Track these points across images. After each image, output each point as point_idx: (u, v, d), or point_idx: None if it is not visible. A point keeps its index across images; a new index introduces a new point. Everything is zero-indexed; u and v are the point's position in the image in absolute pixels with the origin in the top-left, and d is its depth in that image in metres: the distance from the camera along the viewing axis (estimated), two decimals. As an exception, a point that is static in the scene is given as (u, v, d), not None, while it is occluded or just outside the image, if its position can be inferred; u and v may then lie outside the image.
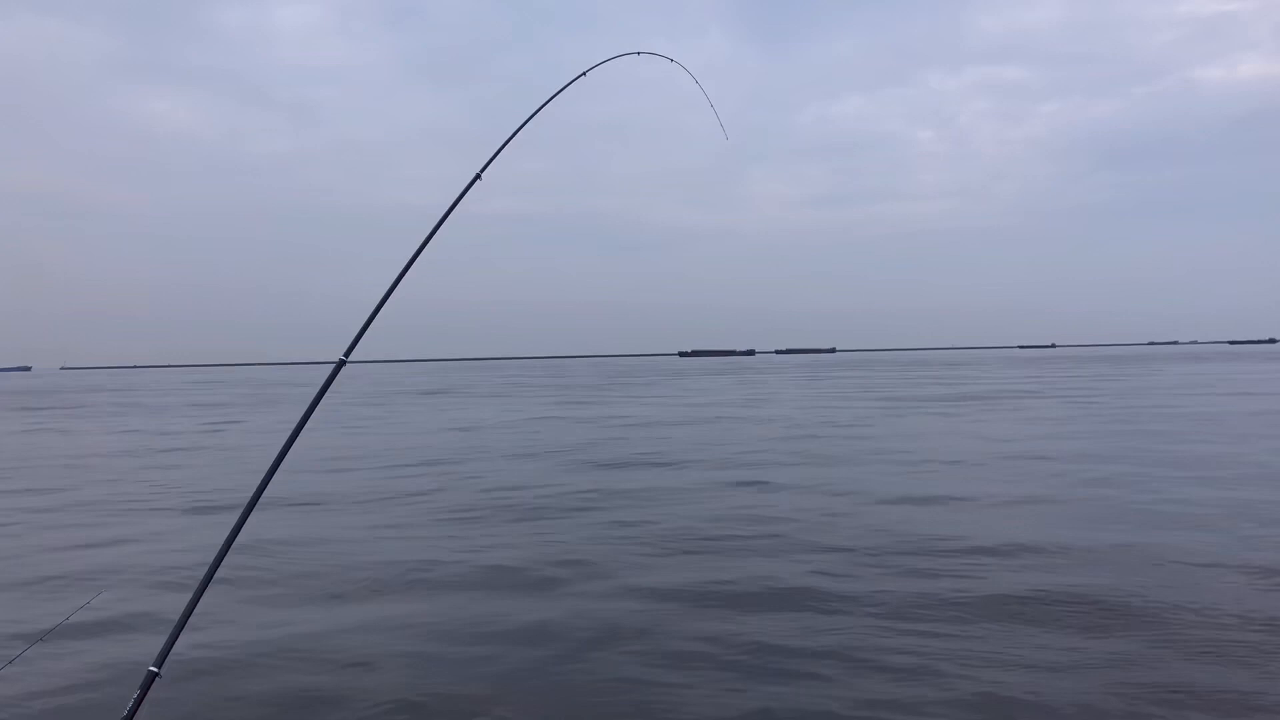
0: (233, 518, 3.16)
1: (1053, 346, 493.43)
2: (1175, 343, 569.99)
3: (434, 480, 16.14)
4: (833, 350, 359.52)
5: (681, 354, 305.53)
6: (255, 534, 10.70)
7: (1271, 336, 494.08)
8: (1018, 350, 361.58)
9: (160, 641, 2.88)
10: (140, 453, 23.13)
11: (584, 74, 5.68)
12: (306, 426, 3.36)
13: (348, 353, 3.69)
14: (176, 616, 2.90)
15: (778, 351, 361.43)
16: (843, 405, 34.95)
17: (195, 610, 2.95)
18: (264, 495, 3.28)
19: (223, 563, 3.09)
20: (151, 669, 2.79)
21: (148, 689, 2.75)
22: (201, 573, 3.10)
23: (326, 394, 3.38)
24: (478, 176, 4.49)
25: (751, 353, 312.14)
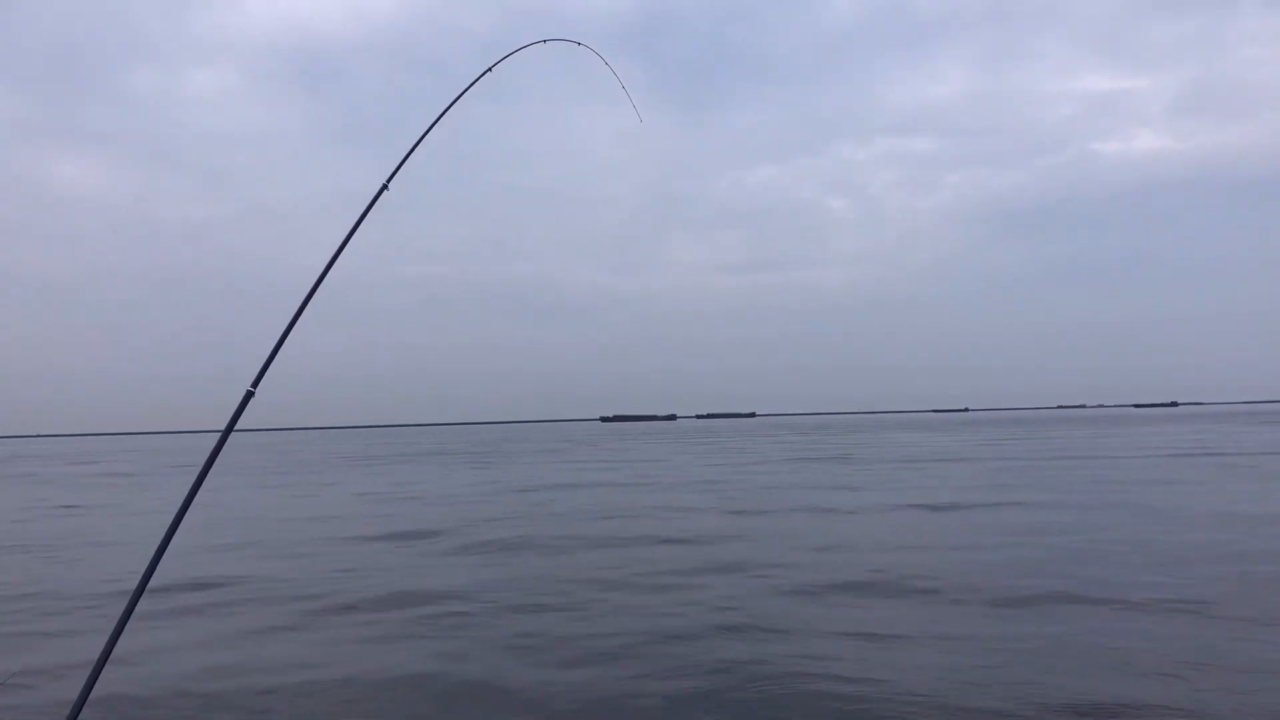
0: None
1: (965, 410, 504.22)
2: (1083, 406, 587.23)
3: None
4: (752, 415, 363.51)
5: (604, 419, 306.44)
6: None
7: (1173, 400, 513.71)
8: (931, 414, 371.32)
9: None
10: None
11: (489, 70, 5.71)
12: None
13: (255, 383, 3.58)
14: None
15: (699, 416, 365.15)
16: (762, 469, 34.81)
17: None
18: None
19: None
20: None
21: None
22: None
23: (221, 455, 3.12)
24: (384, 188, 4.41)
25: (673, 417, 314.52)
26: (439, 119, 5.00)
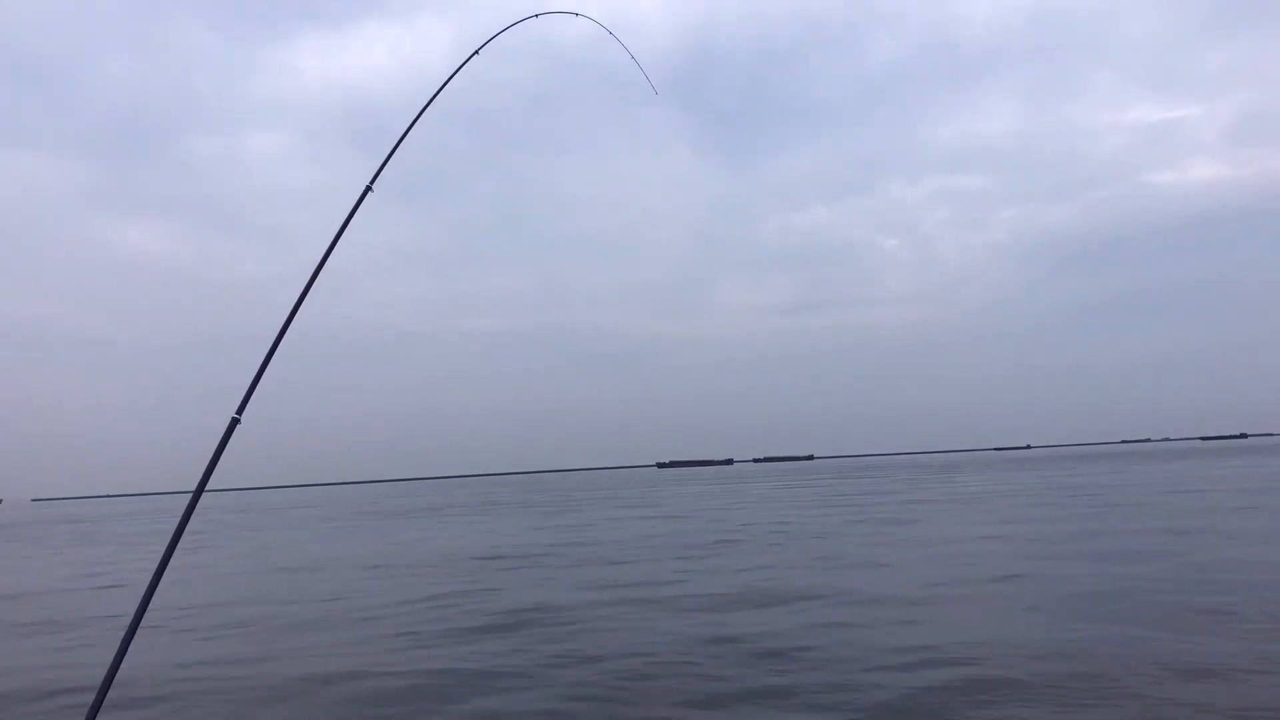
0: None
1: (1028, 448, 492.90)
2: (1148, 440, 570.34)
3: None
4: (810, 457, 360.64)
5: (660, 465, 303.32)
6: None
7: (1242, 431, 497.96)
8: (994, 452, 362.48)
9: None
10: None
11: (477, 52, 5.50)
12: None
13: (239, 410, 3.49)
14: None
15: (755, 460, 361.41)
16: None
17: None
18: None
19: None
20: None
21: None
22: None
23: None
24: (369, 189, 4.48)
25: (730, 462, 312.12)
26: (422, 111, 5.00)
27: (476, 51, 5.41)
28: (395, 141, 4.75)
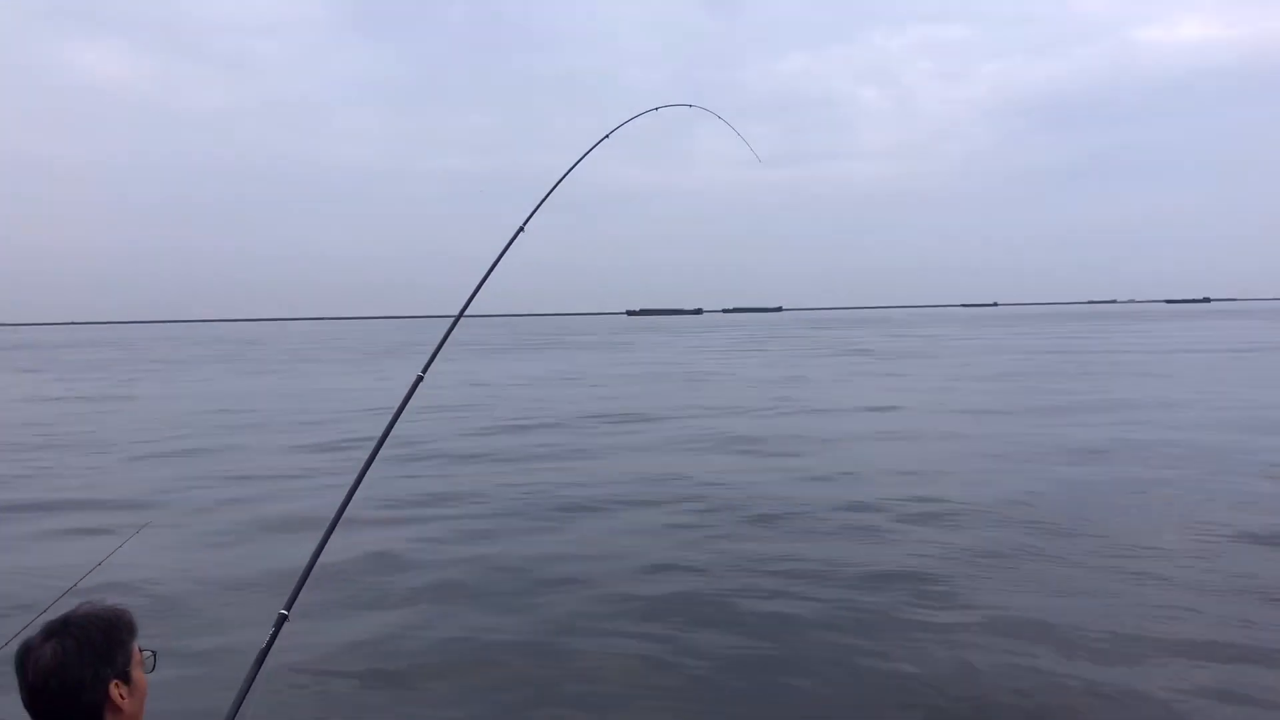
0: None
1: (995, 305, 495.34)
2: (1114, 301, 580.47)
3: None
4: (779, 309, 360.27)
5: (630, 313, 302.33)
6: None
7: (1206, 295, 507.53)
8: (960, 309, 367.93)
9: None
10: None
11: (607, 136, 5.77)
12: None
13: (425, 369, 3.93)
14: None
15: (724, 310, 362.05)
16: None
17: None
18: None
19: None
20: (282, 611, 2.97)
21: (279, 630, 2.94)
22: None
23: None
24: (521, 229, 4.76)
25: (699, 311, 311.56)
26: (567, 173, 5.33)
27: (607, 135, 5.72)
28: (550, 186, 5.16)
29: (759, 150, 7.19)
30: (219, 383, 33.03)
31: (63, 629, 2.04)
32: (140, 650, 2.17)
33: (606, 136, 5.67)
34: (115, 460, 14.96)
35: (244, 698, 2.64)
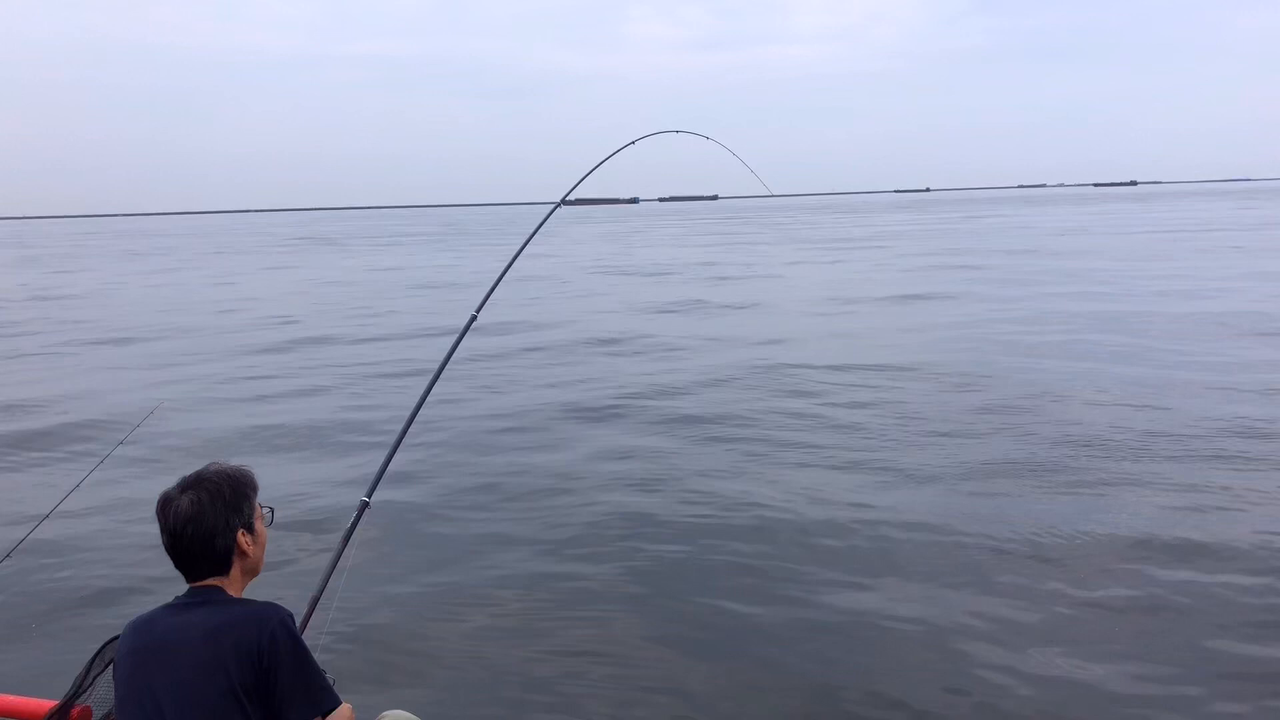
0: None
1: (927, 190, 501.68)
2: (1044, 185, 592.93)
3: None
4: (715, 197, 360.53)
5: (566, 202, 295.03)
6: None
7: (1132, 179, 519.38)
8: (893, 195, 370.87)
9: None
10: None
11: (632, 142, 6.19)
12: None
13: (478, 310, 4.31)
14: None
15: (661, 199, 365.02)
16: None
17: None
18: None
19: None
20: (364, 499, 3.26)
21: (360, 515, 3.25)
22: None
23: None
24: (559, 203, 5.55)
25: (636, 200, 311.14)
26: (592, 170, 5.86)
27: (632, 142, 6.12)
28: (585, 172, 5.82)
29: (762, 175, 7.38)
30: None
31: (197, 483, 2.32)
32: (261, 506, 2.46)
33: (635, 141, 6.16)
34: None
35: (329, 576, 3.03)
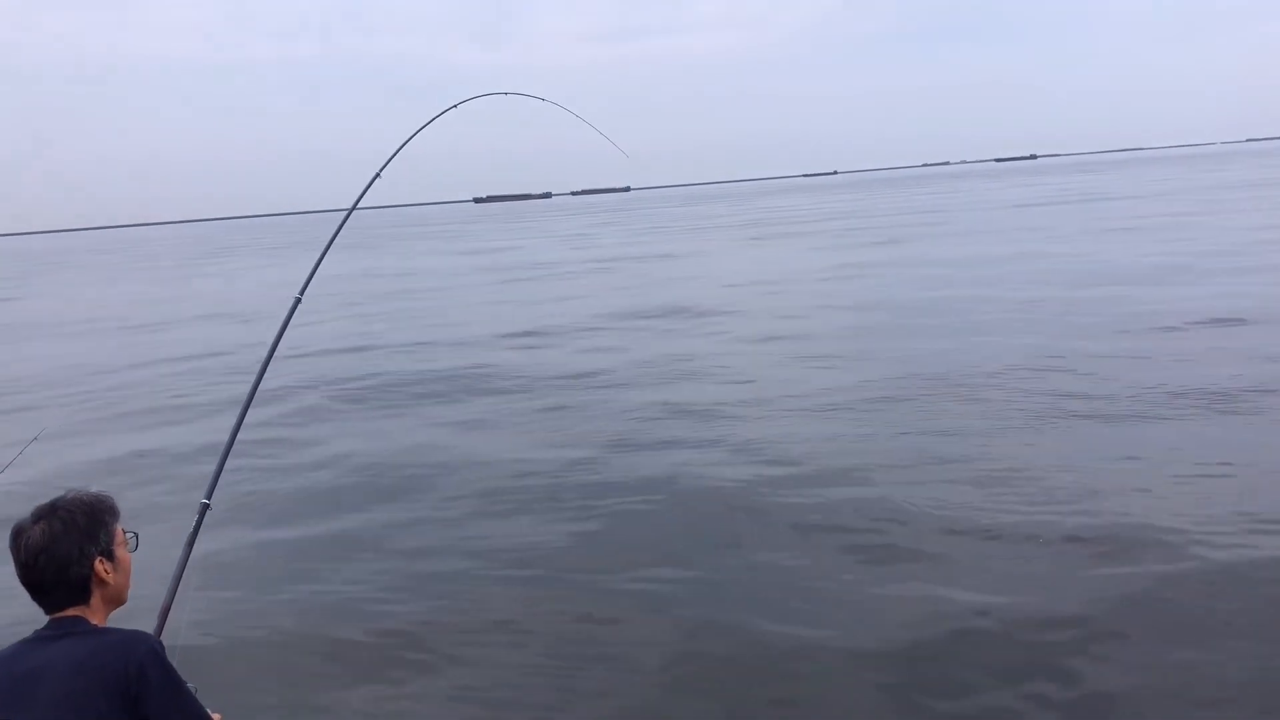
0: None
1: (834, 173, 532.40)
2: (946, 163, 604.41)
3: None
4: (627, 189, 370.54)
5: (476, 200, 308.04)
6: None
7: (1032, 153, 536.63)
8: (802, 179, 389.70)
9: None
10: None
11: (455, 106, 5.98)
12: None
13: (302, 291, 4.20)
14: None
15: (573, 193, 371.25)
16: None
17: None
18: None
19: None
20: (204, 501, 3.26)
21: (202, 519, 3.19)
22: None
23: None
24: (378, 175, 5.04)
25: (548, 195, 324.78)
26: (412, 136, 5.53)
27: (455, 105, 5.90)
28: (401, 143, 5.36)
29: (621, 143, 7.46)
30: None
31: (50, 511, 2.31)
32: (123, 531, 2.43)
33: (458, 104, 5.85)
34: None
35: (179, 582, 2.94)
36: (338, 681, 5.01)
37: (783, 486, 7.32)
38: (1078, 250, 22.97)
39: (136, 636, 2.29)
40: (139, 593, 2.53)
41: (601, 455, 8.57)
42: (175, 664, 2.29)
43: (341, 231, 4.95)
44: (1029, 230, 30.95)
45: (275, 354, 3.88)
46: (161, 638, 2.56)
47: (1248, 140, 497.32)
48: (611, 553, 6.38)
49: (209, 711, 2.35)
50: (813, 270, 23.96)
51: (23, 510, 2.35)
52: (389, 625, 5.52)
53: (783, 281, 22.02)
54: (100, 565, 2.34)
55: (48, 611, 2.34)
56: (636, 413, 10.11)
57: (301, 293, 4.17)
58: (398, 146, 5.32)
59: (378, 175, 4.98)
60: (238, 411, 3.66)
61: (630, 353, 13.90)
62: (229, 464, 3.46)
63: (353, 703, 4.80)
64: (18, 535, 2.30)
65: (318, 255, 4.48)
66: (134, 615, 2.51)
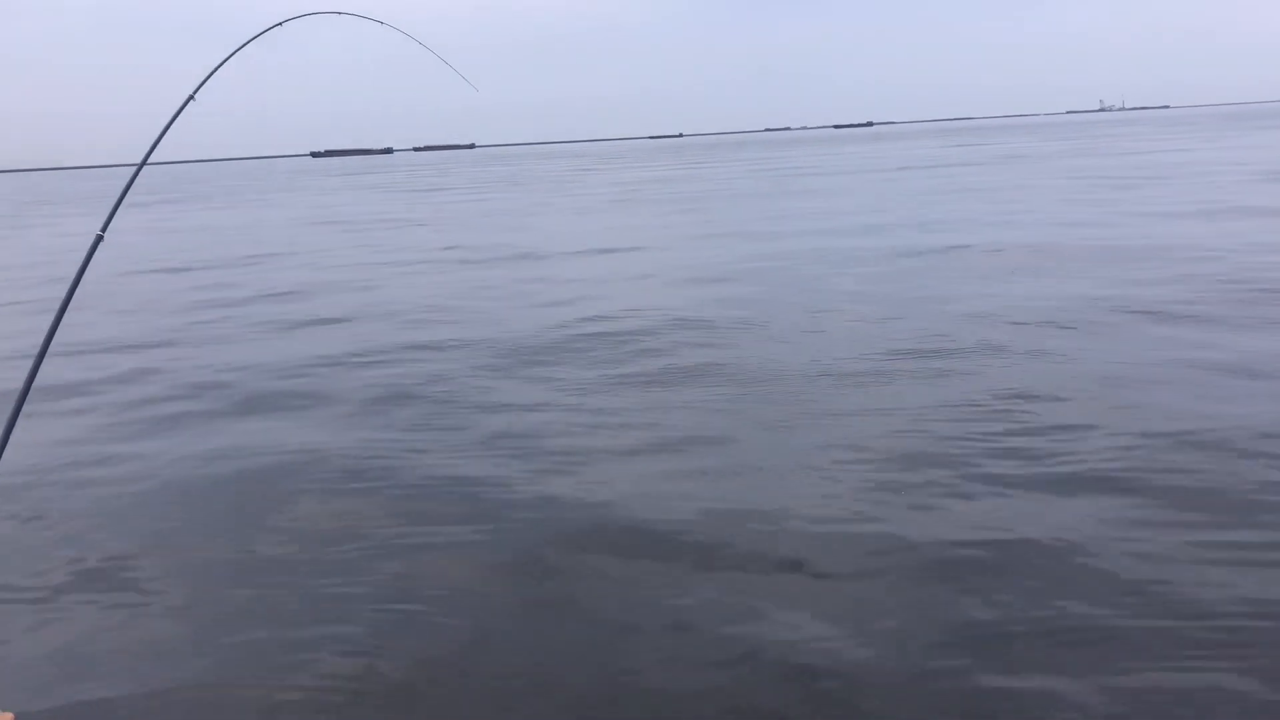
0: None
1: (680, 136, 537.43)
2: (788, 128, 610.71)
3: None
4: (472, 146, 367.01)
5: (314, 154, 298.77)
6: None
7: (869, 120, 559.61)
8: (649, 140, 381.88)
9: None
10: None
11: (281, 24, 5.49)
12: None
13: (104, 228, 3.76)
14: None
15: (415, 149, 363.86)
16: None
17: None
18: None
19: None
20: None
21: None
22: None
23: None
24: (191, 98, 4.62)
25: (390, 151, 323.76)
26: (230, 56, 4.94)
27: (280, 23, 5.44)
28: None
29: (471, 77, 6.95)
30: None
31: None
32: None
33: (279, 24, 5.40)
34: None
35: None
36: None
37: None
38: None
39: None
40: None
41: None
42: None
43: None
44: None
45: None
46: None
47: (1068, 112, 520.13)
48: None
49: None
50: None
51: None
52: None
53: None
54: None
55: None
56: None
57: (103, 229, 3.73)
58: (213, 68, 4.84)
59: (191, 98, 4.62)
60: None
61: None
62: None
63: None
64: None
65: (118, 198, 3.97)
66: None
